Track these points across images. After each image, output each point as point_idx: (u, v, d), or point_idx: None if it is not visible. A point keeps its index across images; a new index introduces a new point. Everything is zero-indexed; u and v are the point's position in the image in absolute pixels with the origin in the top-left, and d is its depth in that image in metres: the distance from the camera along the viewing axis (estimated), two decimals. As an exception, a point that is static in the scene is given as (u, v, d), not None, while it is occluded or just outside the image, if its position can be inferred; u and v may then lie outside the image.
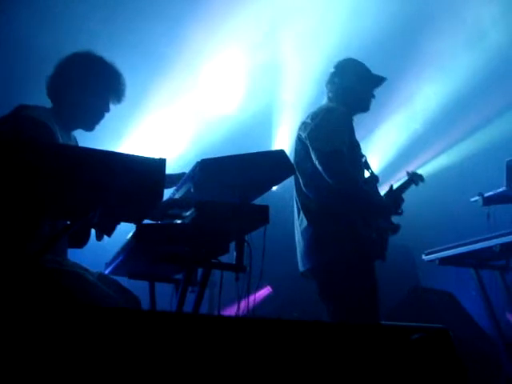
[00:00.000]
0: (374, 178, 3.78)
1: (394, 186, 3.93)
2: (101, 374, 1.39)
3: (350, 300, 3.40)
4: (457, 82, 7.74)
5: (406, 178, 4.02)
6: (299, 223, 3.66)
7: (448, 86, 7.86)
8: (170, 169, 3.29)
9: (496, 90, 7.69)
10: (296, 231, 3.71)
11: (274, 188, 4.89)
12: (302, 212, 3.65)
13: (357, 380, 1.33)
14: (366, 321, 3.28)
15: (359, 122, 4.01)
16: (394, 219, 3.76)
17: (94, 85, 2.90)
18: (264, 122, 7.61)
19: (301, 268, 3.65)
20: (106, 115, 3.03)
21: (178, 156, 6.87)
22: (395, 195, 3.84)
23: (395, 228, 3.72)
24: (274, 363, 1.35)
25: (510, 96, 7.75)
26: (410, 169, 4.14)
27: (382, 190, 3.93)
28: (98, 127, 3.06)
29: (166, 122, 7.33)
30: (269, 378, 1.33)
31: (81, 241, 2.86)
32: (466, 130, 8.24)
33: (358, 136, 3.81)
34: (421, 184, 4.08)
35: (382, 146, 8.00)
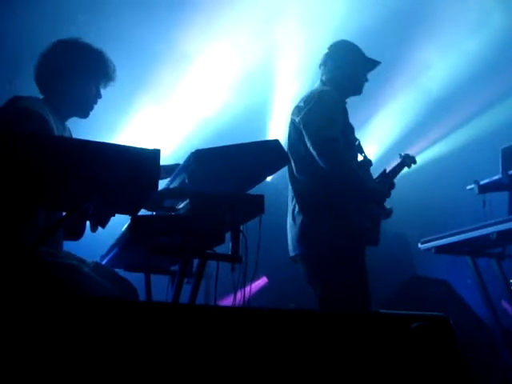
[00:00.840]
0: (367, 162, 3.76)
1: (387, 170, 3.91)
2: (97, 366, 1.38)
3: (340, 286, 3.40)
4: (453, 70, 7.73)
5: (399, 160, 3.99)
6: (292, 208, 3.65)
7: (444, 75, 7.85)
8: (165, 162, 3.28)
9: (492, 78, 7.69)
10: (289, 216, 3.69)
11: (269, 178, 4.88)
12: (294, 197, 3.63)
13: (356, 369, 1.32)
14: (354, 308, 3.28)
15: (356, 107, 3.99)
16: (387, 203, 3.76)
17: (82, 71, 2.88)
18: (259, 115, 7.59)
19: (291, 252, 3.65)
20: (102, 108, 3.02)
21: (172, 149, 6.84)
22: (388, 179, 3.82)
23: (388, 213, 3.71)
24: (271, 353, 1.33)
25: (505, 85, 7.75)
26: (403, 152, 4.10)
27: (375, 174, 3.91)
28: (94, 120, 3.06)
29: (161, 116, 7.31)
30: (266, 368, 1.32)
31: (76, 233, 2.85)
32: (463, 118, 8.24)
33: (355, 122, 3.79)
34: (413, 167, 4.08)
35: (379, 134, 7.99)
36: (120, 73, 3.05)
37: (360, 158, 3.77)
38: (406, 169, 4.03)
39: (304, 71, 3.96)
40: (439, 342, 1.32)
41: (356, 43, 3.90)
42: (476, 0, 7.36)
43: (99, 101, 3.02)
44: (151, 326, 1.39)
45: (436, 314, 1.39)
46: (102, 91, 2.99)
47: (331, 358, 1.33)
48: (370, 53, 3.92)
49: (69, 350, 1.37)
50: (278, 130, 7.10)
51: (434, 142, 8.45)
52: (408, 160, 4.01)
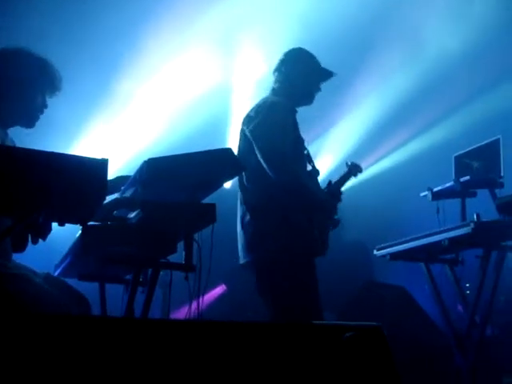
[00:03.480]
0: (315, 172, 3.79)
1: (334, 180, 3.94)
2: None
3: (289, 295, 3.43)
4: (409, 81, 7.85)
5: (346, 170, 4.02)
6: (241, 217, 3.66)
7: (400, 85, 7.97)
8: (121, 173, 3.26)
9: (446, 89, 7.85)
10: (238, 224, 3.70)
11: (228, 186, 4.88)
12: (244, 206, 3.65)
13: (289, 379, 1.34)
14: (305, 316, 3.30)
15: (313, 117, 4.01)
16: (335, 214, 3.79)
17: (25, 80, 2.84)
18: (218, 126, 7.61)
19: (241, 260, 3.65)
20: (59, 117, 3.00)
21: (134, 157, 6.81)
22: (334, 189, 3.85)
23: (336, 223, 3.74)
24: (207, 365, 1.34)
25: (458, 95, 7.92)
26: (350, 161, 4.13)
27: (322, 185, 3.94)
28: (51, 129, 3.03)
29: (119, 127, 7.26)
30: (203, 380, 1.33)
31: (19, 245, 2.81)
32: (418, 127, 8.39)
33: (311, 132, 3.82)
34: (372, 175, 4.13)
35: (335, 144, 8.07)
36: (78, 82, 3.04)
37: (309, 167, 3.80)
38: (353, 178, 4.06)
39: (263, 83, 3.97)
40: (372, 352, 1.34)
41: (315, 54, 3.92)
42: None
43: (58, 109, 3.00)
44: (89, 341, 1.38)
45: (369, 323, 1.41)
46: (53, 100, 2.96)
47: (265, 369, 1.35)
48: (329, 63, 3.94)
49: (16, 367, 1.35)
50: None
51: (391, 151, 8.58)
52: (354, 169, 4.04)
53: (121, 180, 2.89)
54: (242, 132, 3.69)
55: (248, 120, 3.65)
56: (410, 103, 7.95)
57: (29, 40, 3.35)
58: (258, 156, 3.51)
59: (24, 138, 3.02)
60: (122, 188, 2.88)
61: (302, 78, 3.78)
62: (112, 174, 3.24)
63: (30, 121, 2.93)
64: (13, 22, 6.03)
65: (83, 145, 6.84)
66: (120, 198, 2.82)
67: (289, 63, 3.82)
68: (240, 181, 3.69)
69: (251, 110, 3.69)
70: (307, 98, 3.85)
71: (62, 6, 6.33)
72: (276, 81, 3.83)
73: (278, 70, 3.84)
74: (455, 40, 7.47)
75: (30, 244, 2.84)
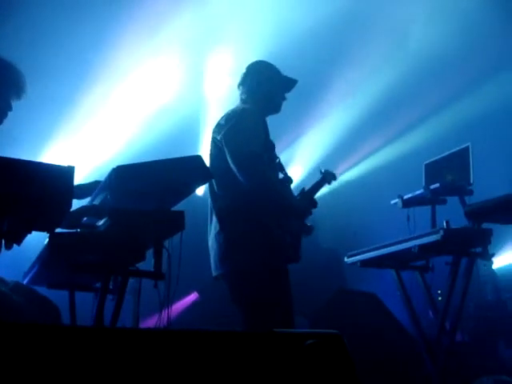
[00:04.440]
0: (287, 180, 3.80)
1: (307, 188, 3.94)
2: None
3: (261, 303, 3.41)
4: (380, 90, 7.92)
5: (320, 177, 4.03)
6: (213, 227, 3.63)
7: (372, 93, 8.04)
8: (97, 175, 3.23)
9: (415, 100, 7.95)
10: (209, 235, 3.68)
11: (200, 193, 4.87)
12: (214, 215, 3.63)
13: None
14: (278, 324, 3.30)
15: (285, 125, 4.02)
16: (308, 220, 3.79)
17: None
18: (191, 129, 7.60)
19: (214, 272, 3.62)
20: (28, 122, 2.97)
21: (104, 163, 6.77)
22: (308, 196, 3.86)
23: (309, 229, 3.74)
24: (172, 374, 1.34)
25: (428, 105, 8.02)
26: (324, 168, 4.14)
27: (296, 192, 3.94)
28: (17, 135, 3.00)
29: (92, 130, 7.20)
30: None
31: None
32: (389, 136, 8.47)
33: (283, 139, 3.83)
34: (345, 184, 4.14)
35: (306, 152, 8.10)
36: (46, 87, 3.02)
37: (281, 175, 3.80)
38: (327, 185, 4.07)
39: (235, 89, 3.98)
40: (332, 359, 1.35)
41: (285, 61, 3.95)
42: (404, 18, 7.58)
43: (28, 113, 2.97)
44: (59, 350, 1.37)
45: (329, 331, 1.42)
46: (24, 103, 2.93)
47: (228, 377, 1.34)
48: (299, 72, 3.97)
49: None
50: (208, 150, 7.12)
51: (362, 159, 8.65)
52: (328, 176, 4.05)
53: (97, 184, 2.87)
54: (213, 141, 3.69)
55: (219, 128, 3.65)
56: (380, 112, 8.01)
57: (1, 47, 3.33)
58: (229, 160, 3.50)
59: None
60: (92, 195, 2.87)
61: (265, 89, 3.81)
62: (80, 180, 3.22)
63: None
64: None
65: (51, 152, 6.77)
66: (87, 205, 2.81)
67: (252, 76, 3.85)
68: (211, 188, 3.67)
69: (221, 119, 3.70)
70: (273, 107, 3.87)
71: (30, 11, 6.27)
72: (242, 93, 3.87)
73: (242, 83, 3.88)
74: (426, 47, 7.55)
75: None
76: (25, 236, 2.45)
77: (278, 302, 3.44)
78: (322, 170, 4.05)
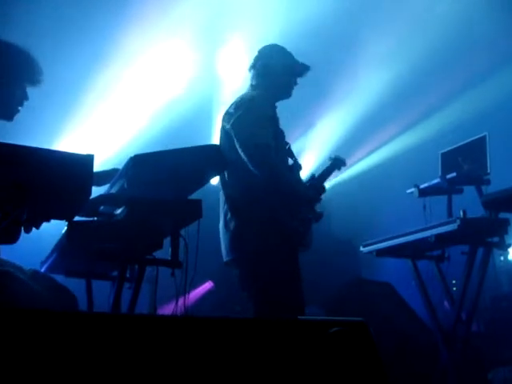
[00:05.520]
0: (297, 166, 3.80)
1: (317, 174, 3.93)
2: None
3: (271, 289, 3.42)
4: (395, 77, 7.85)
5: (329, 163, 4.00)
6: (224, 214, 3.65)
7: (386, 81, 7.97)
8: (111, 163, 3.24)
9: (432, 86, 7.87)
10: (220, 221, 3.69)
11: (215, 182, 4.87)
12: (226, 203, 3.65)
13: (275, 375, 1.34)
14: (287, 310, 3.30)
15: (299, 112, 3.99)
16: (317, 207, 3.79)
17: (6, 73, 2.80)
18: (204, 114, 7.56)
19: (225, 258, 3.65)
20: (42, 111, 2.97)
21: (118, 151, 6.77)
22: (317, 183, 3.85)
23: (318, 217, 3.73)
24: (193, 361, 1.34)
25: (444, 91, 7.94)
26: (334, 154, 4.11)
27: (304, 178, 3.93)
28: (33, 123, 3.00)
29: (105, 117, 7.19)
30: (190, 376, 1.32)
31: (10, 237, 2.78)
32: (405, 124, 8.40)
33: (297, 127, 3.81)
34: (360, 172, 4.11)
35: (321, 139, 8.06)
36: (62, 73, 3.00)
37: (290, 162, 3.80)
38: (336, 171, 4.04)
39: (247, 73, 3.95)
40: (357, 346, 1.35)
41: (298, 48, 3.92)
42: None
43: (41, 102, 2.96)
44: (77, 337, 1.37)
45: (354, 318, 1.41)
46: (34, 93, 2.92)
47: (251, 364, 1.34)
48: (312, 58, 3.94)
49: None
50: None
51: (378, 148, 8.60)
52: (338, 162, 4.02)
53: (116, 172, 2.87)
54: (223, 129, 3.69)
55: (228, 116, 3.65)
56: (396, 99, 7.95)
57: (12, 33, 3.32)
58: (239, 149, 3.51)
59: (5, 134, 2.98)
60: (110, 183, 2.87)
61: (277, 73, 3.78)
62: (95, 169, 3.21)
63: (7, 114, 2.89)
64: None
65: (66, 140, 6.77)
66: (105, 194, 2.81)
67: (263, 59, 3.83)
68: (221, 176, 3.69)
69: (230, 107, 3.69)
70: (284, 91, 3.85)
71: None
72: (253, 77, 3.85)
73: (254, 66, 3.86)
74: (441, 34, 7.47)
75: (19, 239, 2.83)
76: (43, 221, 2.46)
77: (288, 288, 3.45)
78: (332, 156, 4.03)
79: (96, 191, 2.77)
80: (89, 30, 6.54)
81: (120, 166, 2.88)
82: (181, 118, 7.30)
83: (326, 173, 3.94)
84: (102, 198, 2.75)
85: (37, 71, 2.91)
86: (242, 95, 3.76)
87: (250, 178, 3.51)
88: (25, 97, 2.89)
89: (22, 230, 2.69)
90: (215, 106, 7.51)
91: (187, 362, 1.35)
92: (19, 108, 2.91)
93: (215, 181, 4.76)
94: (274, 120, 3.68)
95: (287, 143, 3.81)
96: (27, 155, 2.00)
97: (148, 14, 6.73)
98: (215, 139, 6.92)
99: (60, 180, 2.04)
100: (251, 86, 3.84)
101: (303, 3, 7.09)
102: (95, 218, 2.86)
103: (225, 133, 3.66)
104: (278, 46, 3.92)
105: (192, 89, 7.45)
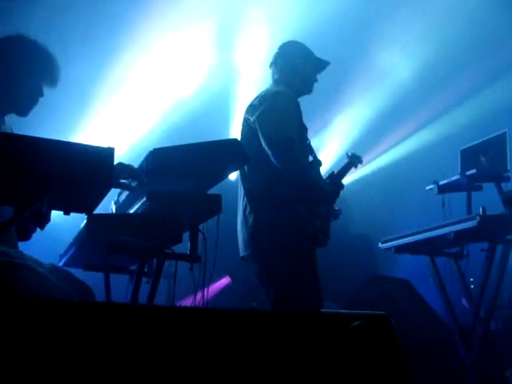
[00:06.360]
0: (317, 163, 3.79)
1: (335, 171, 3.93)
2: (49, 372, 1.36)
3: (289, 285, 3.41)
4: (414, 73, 7.80)
5: (347, 160, 4.00)
6: (243, 208, 3.64)
7: (406, 77, 7.92)
8: (125, 157, 3.24)
9: (452, 82, 7.80)
10: (239, 215, 3.68)
11: (233, 177, 4.87)
12: (245, 197, 3.64)
13: (297, 368, 1.33)
14: (306, 307, 3.30)
15: (318, 108, 3.98)
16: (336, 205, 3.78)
17: (25, 69, 2.80)
18: (220, 107, 7.56)
19: (242, 252, 3.64)
20: (58, 105, 2.97)
21: (133, 144, 6.79)
22: (336, 180, 3.84)
23: (337, 214, 3.74)
24: (213, 354, 1.33)
25: (465, 87, 7.87)
26: (351, 152, 4.11)
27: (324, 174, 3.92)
28: (53, 118, 3.00)
29: (122, 112, 7.20)
30: (211, 368, 1.32)
31: (25, 233, 2.80)
32: (424, 120, 8.33)
33: (316, 123, 3.80)
34: (378, 169, 4.10)
35: (339, 135, 8.02)
36: (78, 69, 3.00)
37: (310, 158, 3.79)
38: (353, 169, 4.04)
39: (267, 63, 3.95)
40: (379, 341, 1.34)
41: (317, 43, 3.92)
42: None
43: (58, 98, 2.96)
44: (97, 328, 1.38)
45: (376, 312, 1.40)
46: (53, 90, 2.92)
47: (272, 358, 1.34)
48: (331, 54, 3.94)
49: (19, 356, 1.35)
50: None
51: (397, 144, 8.55)
52: (355, 160, 4.01)
53: (120, 166, 2.85)
54: (245, 121, 3.69)
55: (252, 109, 3.64)
56: (414, 95, 7.90)
57: (29, 28, 3.33)
58: (263, 143, 3.50)
59: (21, 126, 2.99)
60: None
61: (298, 69, 3.80)
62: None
63: (23, 109, 2.88)
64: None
65: (80, 134, 6.79)
66: (121, 163, 2.75)
67: (285, 56, 3.85)
68: (241, 171, 3.68)
69: (255, 99, 3.69)
70: (306, 87, 3.87)
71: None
72: (274, 73, 3.86)
73: (274, 63, 3.88)
74: (458, 31, 7.41)
75: (36, 234, 2.85)
76: (48, 221, 2.47)
77: (305, 283, 3.44)
78: (349, 154, 4.03)
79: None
80: (105, 24, 6.55)
81: (133, 161, 2.90)
82: (196, 111, 7.29)
83: (344, 170, 3.94)
84: (122, 168, 2.72)
85: (56, 69, 2.90)
86: (267, 89, 3.77)
87: (271, 172, 3.50)
88: (40, 94, 2.89)
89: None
90: (231, 100, 7.50)
91: (208, 355, 1.35)
92: (34, 104, 2.90)
93: (233, 176, 4.76)
94: (297, 115, 3.67)
95: (308, 139, 3.80)
96: (48, 148, 2.00)
97: (164, 7, 6.72)
98: (232, 133, 6.99)
99: (80, 173, 2.03)
100: (274, 80, 3.85)
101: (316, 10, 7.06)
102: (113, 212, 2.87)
103: (247, 125, 3.65)
104: (298, 42, 3.93)
105: (208, 82, 7.44)
